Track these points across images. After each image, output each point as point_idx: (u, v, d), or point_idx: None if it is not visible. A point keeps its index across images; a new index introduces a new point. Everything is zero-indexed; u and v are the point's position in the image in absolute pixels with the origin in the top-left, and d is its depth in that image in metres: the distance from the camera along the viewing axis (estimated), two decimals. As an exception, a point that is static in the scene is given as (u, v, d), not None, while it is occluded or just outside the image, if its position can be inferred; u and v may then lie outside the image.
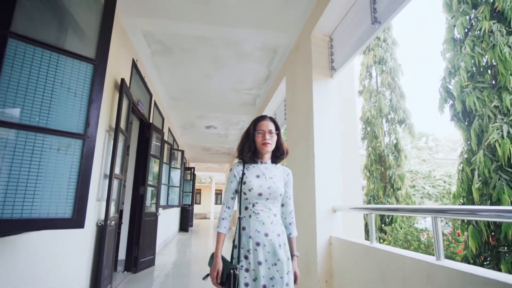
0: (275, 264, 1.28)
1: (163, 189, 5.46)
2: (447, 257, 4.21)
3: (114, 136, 2.69)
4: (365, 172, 6.75)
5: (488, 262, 3.36)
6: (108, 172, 2.66)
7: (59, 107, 1.45)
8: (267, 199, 1.35)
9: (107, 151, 2.67)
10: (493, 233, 3.25)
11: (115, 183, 2.77)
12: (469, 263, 3.38)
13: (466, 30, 3.92)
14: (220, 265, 1.31)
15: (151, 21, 3.06)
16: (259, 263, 1.27)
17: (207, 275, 1.36)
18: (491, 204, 3.17)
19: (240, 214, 1.40)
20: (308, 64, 2.87)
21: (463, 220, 3.75)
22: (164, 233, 6.49)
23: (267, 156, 1.45)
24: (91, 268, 2.47)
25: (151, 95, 4.50)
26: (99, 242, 2.55)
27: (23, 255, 1.54)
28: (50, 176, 1.39)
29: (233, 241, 1.37)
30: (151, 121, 4.47)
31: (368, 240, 2.02)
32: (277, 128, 1.45)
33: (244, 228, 1.34)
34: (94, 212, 2.45)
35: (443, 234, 4.72)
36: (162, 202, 5.42)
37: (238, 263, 1.29)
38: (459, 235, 4.34)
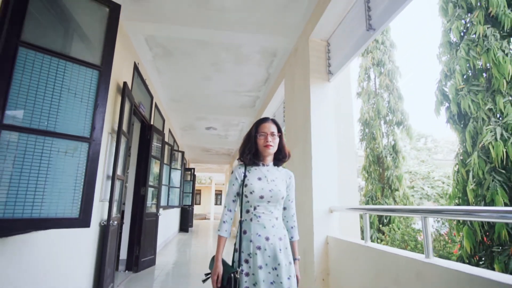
0: (275, 269, 1.26)
1: (164, 189, 5.54)
2: (443, 257, 4.29)
3: (116, 138, 2.76)
4: (363, 173, 6.82)
5: (482, 262, 3.43)
6: (110, 173, 2.72)
7: (66, 112, 1.52)
8: (269, 202, 1.34)
9: (110, 152, 2.74)
10: (487, 233, 3.32)
11: (117, 184, 2.84)
12: (464, 262, 3.45)
13: (462, 34, 4.00)
14: (220, 269, 1.30)
15: (152, 26, 3.13)
16: (259, 267, 1.25)
17: (207, 278, 1.35)
18: (485, 204, 3.24)
19: (241, 217, 1.38)
20: (306, 67, 2.94)
21: (458, 221, 3.82)
22: (165, 233, 6.55)
23: (269, 159, 1.44)
24: (94, 267, 2.54)
25: (152, 97, 4.57)
26: (102, 242, 2.62)
27: (30, 254, 1.60)
28: (58, 178, 1.45)
29: (234, 244, 1.36)
30: (152, 122, 4.55)
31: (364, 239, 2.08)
32: (279, 130, 1.44)
33: (245, 232, 1.33)
34: (97, 212, 2.52)
35: (440, 235, 4.79)
36: (163, 202, 5.49)
37: (239, 267, 1.27)
38: (455, 236, 4.41)
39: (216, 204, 21.69)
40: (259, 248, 1.28)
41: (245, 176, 1.39)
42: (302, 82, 3.01)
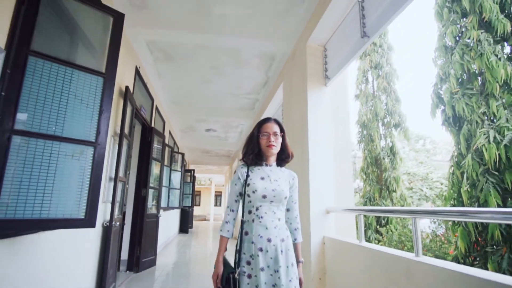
0: (277, 271, 1.24)
1: (164, 191, 5.60)
2: (439, 257, 4.36)
3: (119, 141, 2.84)
4: (362, 175, 6.90)
5: (477, 262, 3.50)
6: (113, 175, 2.79)
7: (73, 117, 1.60)
8: (272, 201, 1.32)
9: (112, 155, 2.81)
10: (481, 234, 3.40)
11: (119, 185, 2.91)
12: (459, 262, 3.52)
13: (457, 38, 4.09)
14: (220, 269, 1.30)
15: (154, 31, 3.21)
16: (261, 269, 1.23)
17: None
18: (479, 205, 3.31)
19: (243, 217, 1.37)
20: (303, 72, 3.02)
21: (454, 222, 3.89)
22: (165, 234, 6.61)
23: (272, 159, 1.42)
24: (97, 266, 2.60)
25: (153, 100, 4.65)
26: (105, 242, 2.69)
27: (37, 254, 1.67)
28: (65, 180, 1.53)
29: (236, 245, 1.35)
30: (152, 125, 4.62)
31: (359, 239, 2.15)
32: (282, 130, 1.43)
33: (246, 233, 1.31)
34: (100, 213, 2.59)
35: (436, 235, 4.87)
36: (163, 204, 5.55)
37: (238, 268, 1.27)
38: (450, 236, 4.48)
39: (215, 205, 21.73)
40: (261, 249, 1.26)
41: (247, 175, 1.37)
42: (300, 86, 3.09)
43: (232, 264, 1.33)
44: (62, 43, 1.84)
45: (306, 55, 3.00)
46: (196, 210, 18.93)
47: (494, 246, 3.22)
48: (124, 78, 3.10)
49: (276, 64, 4.00)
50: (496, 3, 3.64)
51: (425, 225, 5.29)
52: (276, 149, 1.39)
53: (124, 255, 4.10)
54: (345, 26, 2.60)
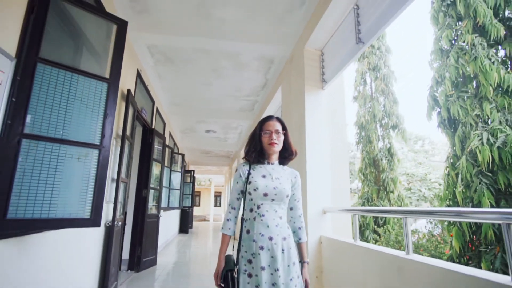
0: (278, 270, 1.23)
1: (164, 191, 5.67)
2: (435, 256, 4.43)
3: (121, 143, 2.91)
4: (360, 175, 6.97)
5: (471, 261, 3.57)
6: (115, 176, 2.86)
7: (79, 121, 1.67)
8: (273, 200, 1.31)
9: (114, 156, 2.88)
10: (475, 234, 3.47)
11: (121, 186, 2.98)
12: (454, 262, 3.59)
13: (453, 41, 4.17)
14: (221, 267, 1.30)
15: (155, 36, 3.29)
16: (262, 268, 1.22)
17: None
18: (473, 206, 3.39)
19: (243, 215, 1.36)
20: (301, 75, 3.10)
21: (449, 222, 3.96)
22: (165, 234, 6.68)
23: (275, 157, 1.42)
24: (100, 265, 2.67)
25: (153, 102, 4.72)
26: (107, 242, 2.76)
27: (41, 253, 1.74)
28: (71, 181, 1.60)
29: (238, 243, 1.35)
30: (153, 126, 4.69)
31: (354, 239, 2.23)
32: (284, 128, 1.42)
33: (248, 231, 1.30)
34: (103, 213, 2.65)
35: (433, 235, 4.94)
36: (163, 204, 5.62)
37: (237, 265, 1.27)
38: (446, 236, 4.55)
39: (215, 206, 21.79)
40: (262, 248, 1.25)
41: (249, 173, 1.37)
42: (298, 88, 3.16)
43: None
44: (68, 49, 1.91)
45: (304, 58, 3.07)
46: (196, 211, 18.99)
47: (488, 246, 3.29)
48: (126, 81, 3.17)
49: (275, 67, 4.08)
50: (490, 8, 3.72)
51: (421, 225, 5.37)
52: (278, 147, 1.38)
53: (125, 255, 4.17)
54: (341, 32, 2.67)
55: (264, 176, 1.35)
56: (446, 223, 4.24)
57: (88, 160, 1.68)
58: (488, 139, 3.32)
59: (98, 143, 1.72)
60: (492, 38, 3.62)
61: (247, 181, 1.35)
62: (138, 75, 3.74)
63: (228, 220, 1.37)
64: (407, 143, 6.93)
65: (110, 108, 1.81)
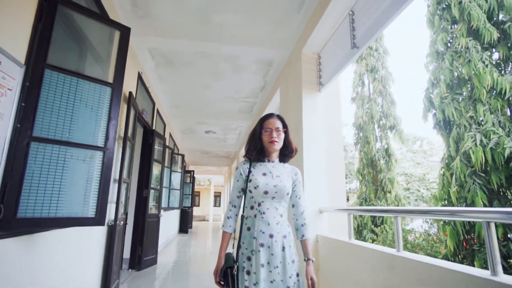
0: (277, 267, 1.23)
1: (164, 191, 5.74)
2: (431, 255, 4.51)
3: (123, 144, 2.98)
4: (358, 176, 7.05)
5: (466, 260, 3.65)
6: (117, 177, 2.94)
7: (84, 124, 1.74)
8: (273, 197, 1.31)
9: (116, 158, 2.95)
10: (469, 234, 3.55)
11: (123, 186, 3.05)
12: (449, 260, 3.67)
13: (448, 44, 4.25)
14: (221, 264, 1.31)
15: (156, 40, 3.36)
16: (261, 265, 1.23)
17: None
18: (466, 205, 3.47)
19: (243, 213, 1.36)
20: (298, 78, 3.17)
21: (444, 221, 4.04)
22: (165, 234, 6.75)
23: (275, 155, 1.42)
24: (103, 263, 2.74)
25: (154, 104, 4.79)
26: (110, 240, 2.83)
27: (47, 251, 1.81)
28: (77, 182, 1.67)
29: (239, 240, 1.35)
30: (154, 128, 4.76)
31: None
32: (285, 125, 1.43)
33: (249, 229, 1.31)
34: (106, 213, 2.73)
35: (429, 235, 5.02)
36: (164, 204, 5.69)
37: (237, 262, 1.27)
38: (442, 236, 4.63)
39: (215, 206, 21.86)
40: (262, 245, 1.25)
41: (249, 171, 1.37)
42: (295, 91, 3.24)
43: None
44: (73, 55, 1.98)
45: (301, 62, 3.15)
46: (196, 211, 19.06)
47: (481, 245, 3.37)
48: (128, 84, 3.25)
49: (273, 69, 4.15)
50: (484, 12, 3.80)
51: (418, 225, 5.45)
52: (278, 145, 1.39)
53: (127, 254, 4.24)
54: (337, 37, 2.75)
55: (264, 174, 1.35)
56: (441, 222, 4.32)
57: (93, 161, 1.75)
58: (481, 141, 3.40)
59: (103, 145, 1.79)
60: (485, 41, 3.70)
61: (247, 179, 1.36)
62: (139, 77, 3.81)
63: (228, 218, 1.38)
64: (404, 144, 7.00)
65: (113, 112, 1.88)
